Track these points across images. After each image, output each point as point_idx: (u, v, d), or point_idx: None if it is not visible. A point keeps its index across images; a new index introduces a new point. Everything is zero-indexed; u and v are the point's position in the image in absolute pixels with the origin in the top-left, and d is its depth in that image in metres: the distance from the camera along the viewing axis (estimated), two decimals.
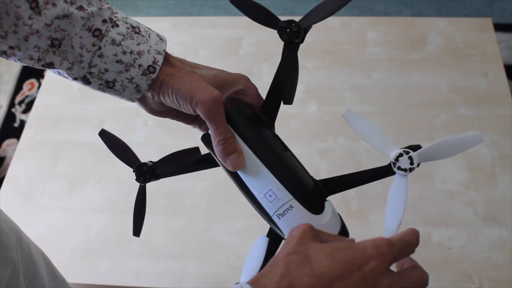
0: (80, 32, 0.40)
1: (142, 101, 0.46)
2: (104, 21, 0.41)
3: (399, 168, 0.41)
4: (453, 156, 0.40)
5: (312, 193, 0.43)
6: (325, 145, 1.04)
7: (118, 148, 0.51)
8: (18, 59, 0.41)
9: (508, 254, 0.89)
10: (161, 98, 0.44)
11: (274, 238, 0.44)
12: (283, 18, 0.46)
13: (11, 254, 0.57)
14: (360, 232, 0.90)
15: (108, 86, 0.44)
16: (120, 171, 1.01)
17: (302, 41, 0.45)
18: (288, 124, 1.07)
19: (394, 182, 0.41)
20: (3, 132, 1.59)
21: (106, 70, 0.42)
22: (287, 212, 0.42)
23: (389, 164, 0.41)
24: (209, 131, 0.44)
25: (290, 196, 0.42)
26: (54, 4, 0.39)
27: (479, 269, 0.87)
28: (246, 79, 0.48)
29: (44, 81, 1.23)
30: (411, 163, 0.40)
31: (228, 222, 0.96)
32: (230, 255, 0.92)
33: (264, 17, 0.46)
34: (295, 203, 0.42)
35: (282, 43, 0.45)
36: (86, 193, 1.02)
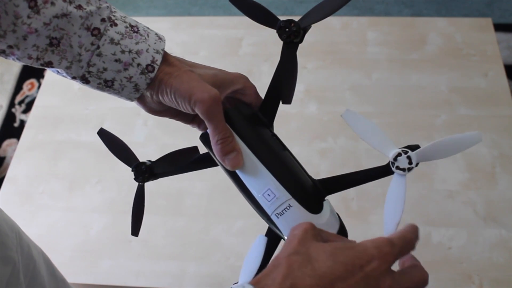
0: (79, 31, 0.40)
1: (141, 100, 0.46)
2: (103, 20, 0.41)
3: (397, 167, 0.40)
4: (451, 156, 0.40)
5: (310, 192, 0.43)
6: (325, 145, 1.04)
7: (117, 147, 0.51)
8: (17, 58, 0.41)
9: (508, 254, 0.88)
10: (160, 97, 0.44)
11: (272, 237, 0.44)
12: (283, 18, 0.45)
13: (11, 254, 0.57)
14: (360, 232, 0.90)
15: (107, 85, 0.44)
16: (120, 171, 1.01)
17: (301, 41, 0.45)
18: (288, 124, 1.07)
19: (392, 181, 0.41)
20: (3, 132, 1.59)
21: (105, 69, 0.42)
22: (286, 211, 0.42)
23: (388, 164, 0.41)
24: (208, 130, 0.44)
25: (288, 196, 0.42)
26: (52, 3, 0.39)
27: (479, 269, 0.87)
28: (244, 78, 0.48)
29: (44, 81, 1.23)
30: (410, 163, 0.40)
31: (228, 222, 0.96)
32: (230, 255, 0.92)
33: (264, 17, 0.46)
34: (294, 202, 0.42)
35: (282, 43, 0.45)
36: (86, 193, 1.02)
